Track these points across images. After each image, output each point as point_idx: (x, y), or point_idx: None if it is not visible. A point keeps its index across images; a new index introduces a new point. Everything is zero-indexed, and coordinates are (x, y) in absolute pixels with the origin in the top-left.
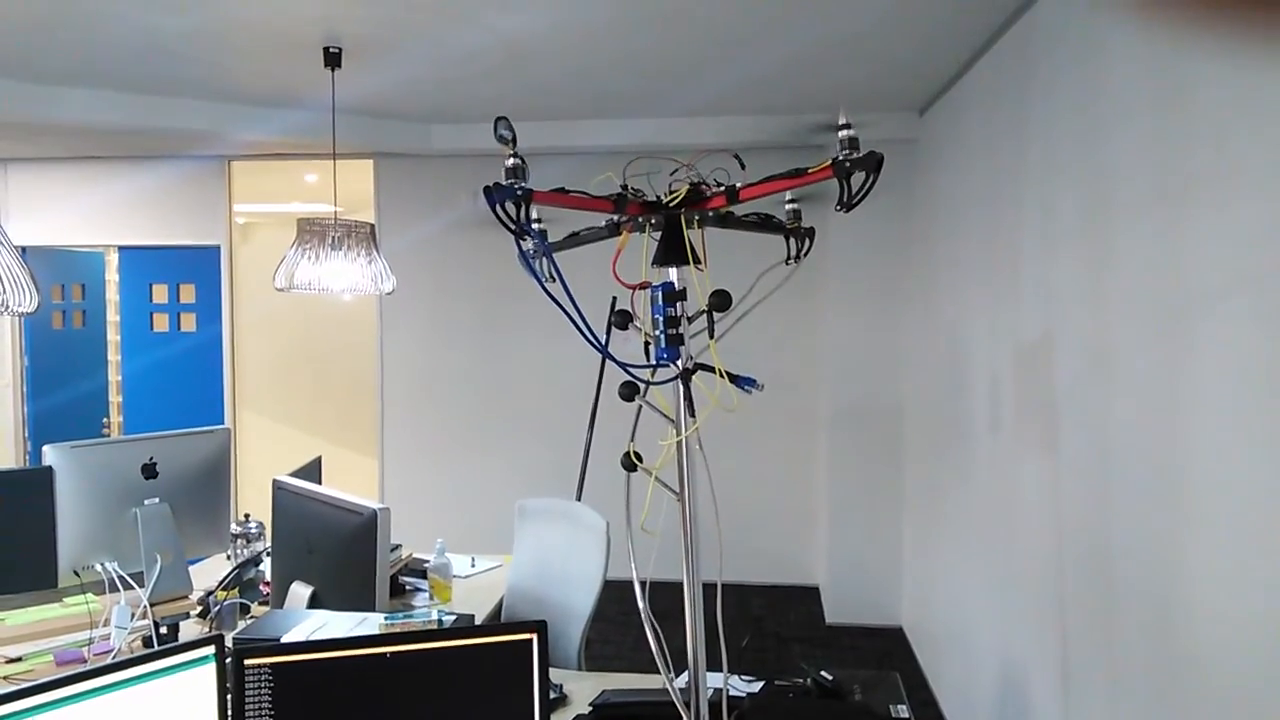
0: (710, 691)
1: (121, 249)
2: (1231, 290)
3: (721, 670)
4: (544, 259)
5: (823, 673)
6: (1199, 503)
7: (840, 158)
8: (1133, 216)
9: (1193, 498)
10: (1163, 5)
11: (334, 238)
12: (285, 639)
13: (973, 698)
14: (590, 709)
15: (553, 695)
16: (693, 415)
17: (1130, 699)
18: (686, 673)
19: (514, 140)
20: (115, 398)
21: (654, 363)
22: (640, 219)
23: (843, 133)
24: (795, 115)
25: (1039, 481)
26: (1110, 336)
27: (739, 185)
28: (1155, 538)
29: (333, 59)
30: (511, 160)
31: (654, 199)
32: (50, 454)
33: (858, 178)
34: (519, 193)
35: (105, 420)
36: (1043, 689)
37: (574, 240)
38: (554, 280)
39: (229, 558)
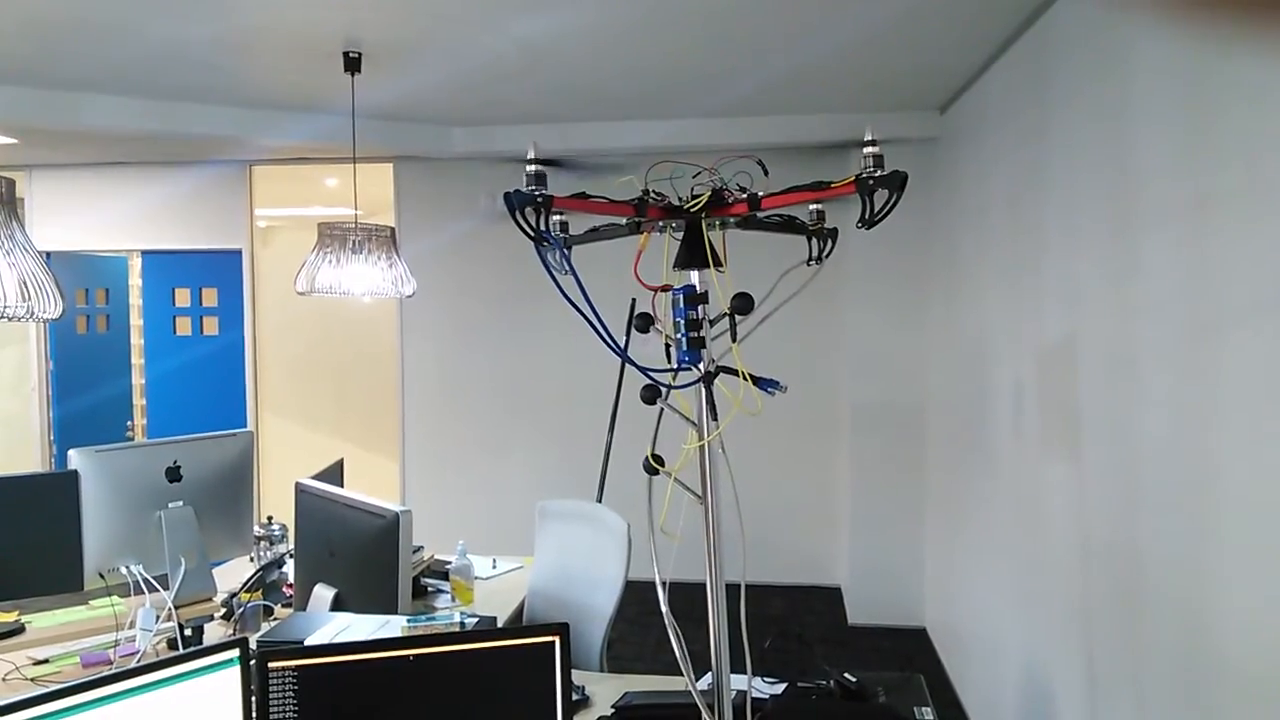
0: (733, 693)
1: (144, 253)
2: (1261, 302)
3: (744, 672)
4: (562, 259)
5: (846, 674)
6: (1227, 511)
7: (864, 175)
8: (1159, 224)
9: (1221, 506)
10: (1186, 8)
11: (355, 241)
12: (309, 642)
13: (998, 701)
14: (613, 711)
15: (575, 697)
16: (715, 419)
17: (1158, 705)
18: (709, 674)
19: (536, 162)
20: (139, 401)
21: (675, 366)
22: (662, 223)
23: (867, 149)
24: (817, 115)
25: (1063, 485)
26: (1135, 344)
27: (761, 194)
28: (1183, 545)
29: (353, 64)
30: (533, 168)
31: (676, 203)
32: (75, 458)
33: (880, 195)
34: (539, 199)
35: (129, 424)
36: (1069, 694)
37: (594, 235)
38: (566, 273)
39: (252, 560)
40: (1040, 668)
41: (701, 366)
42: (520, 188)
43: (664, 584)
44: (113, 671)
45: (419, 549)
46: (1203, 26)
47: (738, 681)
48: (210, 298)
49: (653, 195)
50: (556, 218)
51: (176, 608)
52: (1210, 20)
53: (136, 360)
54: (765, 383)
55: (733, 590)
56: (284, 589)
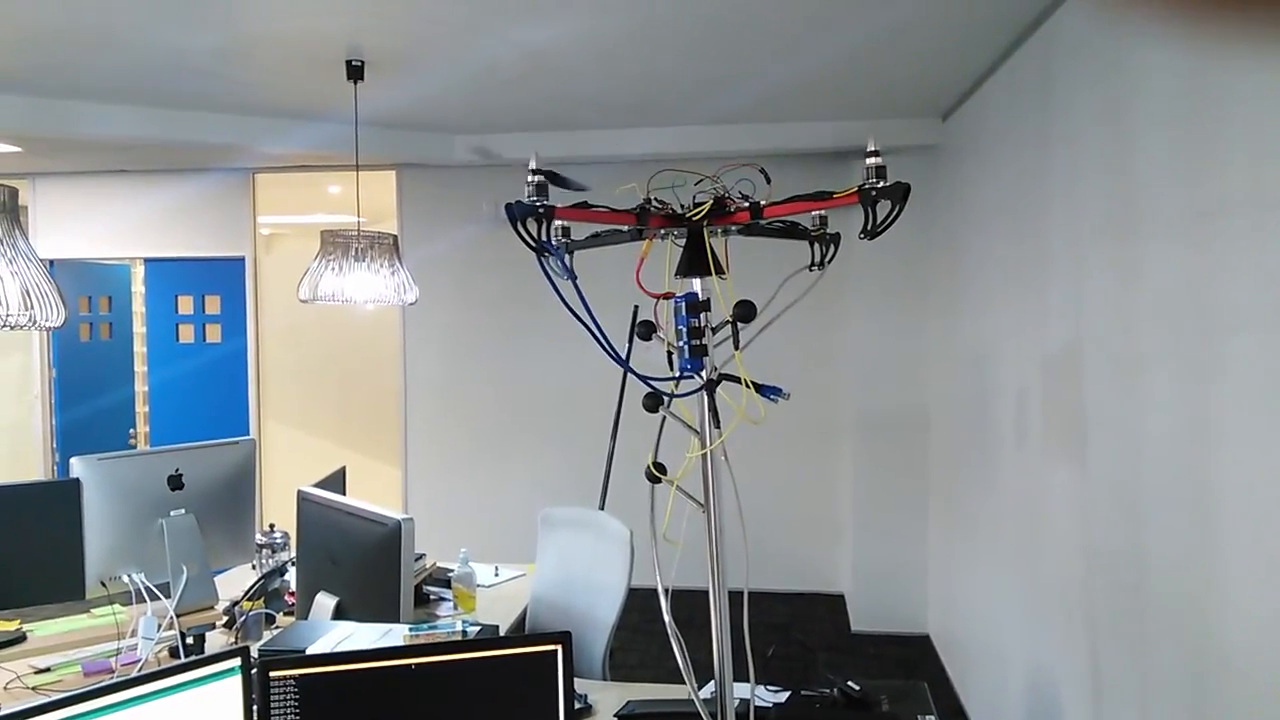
0: (736, 702)
1: (148, 261)
2: (1265, 308)
3: (747, 680)
4: (563, 268)
5: (849, 682)
6: (1231, 516)
7: (867, 186)
8: (1162, 231)
9: (1225, 511)
10: (1187, 17)
11: (357, 249)
12: (310, 650)
13: (1002, 708)
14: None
15: (577, 706)
16: (717, 426)
17: (1164, 711)
18: (712, 683)
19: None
20: (142, 409)
21: (678, 374)
22: (664, 230)
23: (870, 160)
24: (819, 123)
25: (1067, 491)
26: (1139, 350)
27: (763, 202)
28: (1187, 550)
29: (355, 72)
30: (536, 178)
31: (678, 210)
32: (77, 466)
33: (883, 206)
34: (540, 209)
35: (132, 431)
36: (1074, 700)
37: (595, 240)
38: (568, 279)
39: (254, 568)
40: (1045, 674)
41: (704, 374)
42: (522, 197)
43: (666, 592)
44: (114, 680)
45: (421, 557)
46: (1205, 34)
47: (741, 690)
48: (213, 305)
49: (655, 203)
50: (558, 223)
51: (178, 616)
52: (1212, 28)
53: (139, 368)
54: (768, 390)
55: (735, 598)
56: (286, 597)
